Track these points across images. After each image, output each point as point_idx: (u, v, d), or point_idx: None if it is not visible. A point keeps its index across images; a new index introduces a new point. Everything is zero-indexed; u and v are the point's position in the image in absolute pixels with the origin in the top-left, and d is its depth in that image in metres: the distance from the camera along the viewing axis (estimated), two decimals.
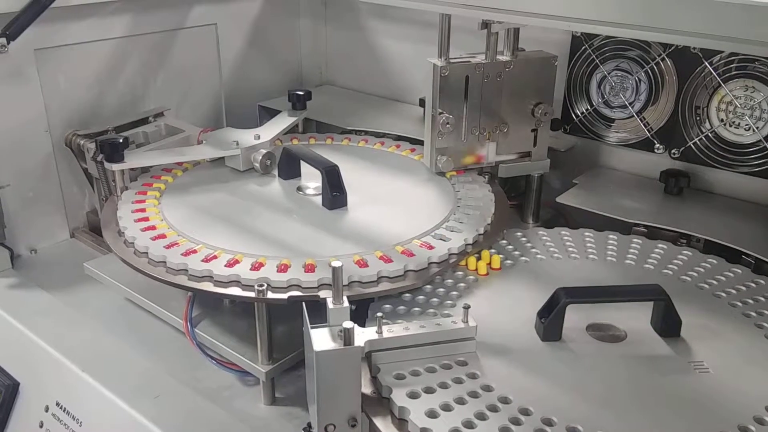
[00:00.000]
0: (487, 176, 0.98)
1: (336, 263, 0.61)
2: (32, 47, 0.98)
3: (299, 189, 0.93)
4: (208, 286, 0.73)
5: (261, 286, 0.70)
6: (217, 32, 1.22)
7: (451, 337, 0.65)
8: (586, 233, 0.88)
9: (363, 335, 0.63)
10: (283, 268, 0.74)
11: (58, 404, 0.80)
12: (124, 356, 0.83)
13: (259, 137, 0.99)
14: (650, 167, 1.02)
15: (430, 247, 0.79)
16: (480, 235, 0.84)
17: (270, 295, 0.71)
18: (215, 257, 0.76)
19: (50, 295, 0.95)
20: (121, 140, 0.89)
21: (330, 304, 0.62)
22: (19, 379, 0.85)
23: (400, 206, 0.90)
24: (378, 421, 0.60)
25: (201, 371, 0.80)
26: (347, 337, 0.58)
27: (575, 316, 0.69)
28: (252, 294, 0.71)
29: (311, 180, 0.93)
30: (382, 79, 1.32)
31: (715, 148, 0.94)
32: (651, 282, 0.74)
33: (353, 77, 1.38)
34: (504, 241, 0.86)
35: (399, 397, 0.60)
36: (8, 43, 0.92)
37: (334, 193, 0.88)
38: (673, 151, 0.97)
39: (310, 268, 0.74)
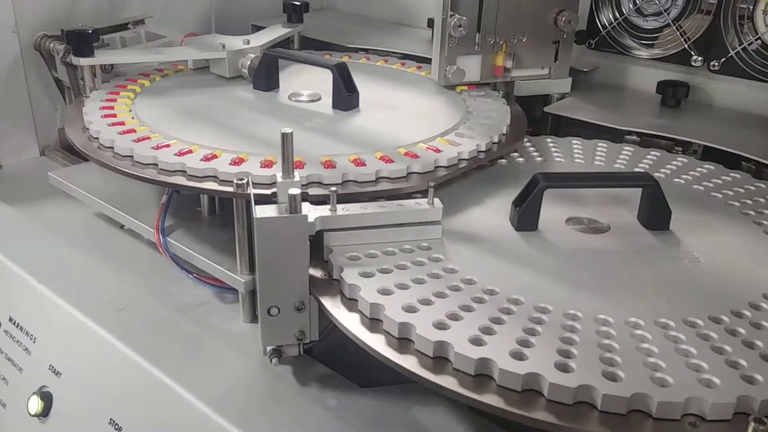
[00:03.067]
0: (501, 93, 0.88)
1: (286, 130, 0.54)
2: None
3: (291, 96, 0.83)
4: (180, 180, 0.63)
5: (241, 179, 0.60)
6: None
7: (414, 220, 0.59)
8: (574, 140, 0.81)
9: (314, 212, 0.56)
10: (267, 164, 0.64)
11: (11, 320, 0.71)
12: (88, 270, 0.73)
13: (248, 42, 0.89)
14: None
15: (438, 151, 0.69)
16: (494, 143, 0.74)
17: (252, 190, 0.61)
18: (190, 152, 0.66)
19: (14, 209, 0.85)
20: (90, 31, 0.79)
21: (278, 178, 0.55)
22: None
23: (404, 115, 0.80)
24: (326, 301, 0.53)
25: (174, 287, 0.71)
26: (293, 205, 0.52)
27: (554, 210, 0.63)
28: (230, 189, 0.61)
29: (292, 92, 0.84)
30: (388, 2, 1.22)
31: (760, 58, 0.83)
32: None
33: (357, 0, 1.27)
34: None
35: (350, 276, 0.54)
36: None
37: (349, 92, 0.79)
38: (712, 63, 0.86)
39: (298, 165, 0.64)
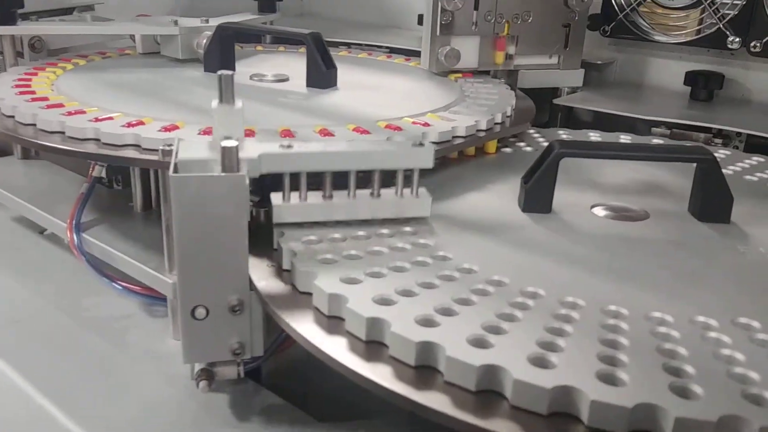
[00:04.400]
0: (502, 81, 0.75)
1: (224, 72, 0.42)
2: None
3: (254, 77, 0.69)
4: (89, 148, 0.49)
5: (169, 145, 0.46)
6: None
7: (395, 215, 0.45)
8: (592, 133, 0.68)
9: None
10: (208, 131, 0.50)
11: None
12: None
13: (207, 21, 0.76)
14: None
15: (427, 125, 0.55)
16: (497, 123, 0.60)
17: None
18: (110, 119, 0.52)
19: None
20: None
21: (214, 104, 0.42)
22: None
23: (389, 94, 0.67)
24: (271, 298, 0.38)
25: (91, 298, 0.56)
26: (227, 161, 0.37)
27: (576, 195, 0.50)
28: (154, 157, 0.47)
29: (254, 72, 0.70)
30: (374, 4, 1.10)
31: None
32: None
33: (341, 4, 1.14)
34: None
35: (304, 263, 0.39)
36: None
37: (327, 66, 0.65)
38: (753, 43, 0.73)
39: (249, 133, 0.49)
